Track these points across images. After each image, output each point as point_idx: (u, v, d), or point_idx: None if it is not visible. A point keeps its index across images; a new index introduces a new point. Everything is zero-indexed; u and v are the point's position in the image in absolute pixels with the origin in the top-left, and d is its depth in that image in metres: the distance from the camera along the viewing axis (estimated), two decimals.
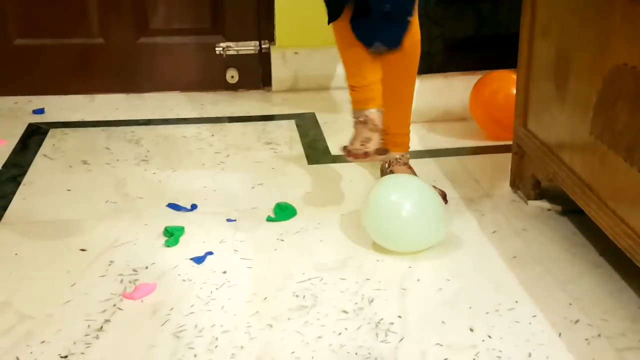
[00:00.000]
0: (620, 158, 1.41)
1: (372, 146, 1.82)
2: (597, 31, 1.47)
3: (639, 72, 1.32)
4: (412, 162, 2.01)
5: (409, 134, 2.02)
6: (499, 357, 1.33)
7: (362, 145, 1.82)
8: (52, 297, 1.52)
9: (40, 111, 2.58)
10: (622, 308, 1.45)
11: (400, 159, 1.99)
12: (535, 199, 1.88)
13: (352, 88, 1.90)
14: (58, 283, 1.57)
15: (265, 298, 1.52)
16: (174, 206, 1.90)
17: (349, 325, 1.42)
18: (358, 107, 1.89)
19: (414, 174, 1.95)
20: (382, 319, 1.44)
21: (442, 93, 2.42)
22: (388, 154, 1.91)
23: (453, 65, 2.41)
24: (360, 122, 1.87)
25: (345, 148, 1.84)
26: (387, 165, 1.99)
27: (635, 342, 1.35)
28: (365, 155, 1.81)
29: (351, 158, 1.83)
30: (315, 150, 2.27)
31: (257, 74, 2.80)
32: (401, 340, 1.38)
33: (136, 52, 2.74)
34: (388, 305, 1.49)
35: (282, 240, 1.74)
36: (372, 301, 1.50)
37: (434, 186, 1.84)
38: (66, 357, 1.34)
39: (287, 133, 2.34)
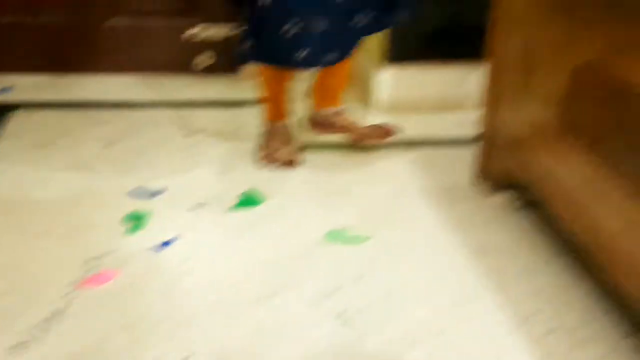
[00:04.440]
0: (584, 151, 1.42)
1: (290, 154, 2.04)
2: (563, 26, 1.48)
3: (604, 67, 1.33)
4: (381, 153, 2.03)
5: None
6: (458, 349, 1.34)
7: (278, 149, 2.05)
8: (8, 282, 1.50)
9: (6, 90, 2.54)
10: (581, 299, 1.48)
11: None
12: (499, 191, 1.89)
13: (267, 100, 2.11)
14: (18, 268, 1.55)
15: (230, 285, 1.51)
16: (139, 191, 1.89)
17: (312, 314, 1.43)
18: (271, 118, 2.11)
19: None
20: (345, 309, 1.44)
21: (413, 83, 2.42)
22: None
23: (424, 56, 2.41)
24: (273, 129, 2.09)
25: (261, 155, 2.06)
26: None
27: (590, 334, 1.37)
28: (285, 165, 2.02)
29: (271, 166, 2.03)
30: None
31: (231, 58, 2.77)
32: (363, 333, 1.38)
33: (107, 34, 2.70)
34: (352, 295, 1.49)
35: (248, 228, 1.74)
36: (336, 290, 1.50)
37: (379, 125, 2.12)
38: (25, 342, 1.33)
39: (257, 119, 2.32)
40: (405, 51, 2.39)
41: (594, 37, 1.37)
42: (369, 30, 1.98)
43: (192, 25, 2.70)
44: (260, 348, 1.33)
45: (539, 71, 1.61)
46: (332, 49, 1.92)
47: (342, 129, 2.17)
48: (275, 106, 2.13)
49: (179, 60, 2.74)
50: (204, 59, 2.74)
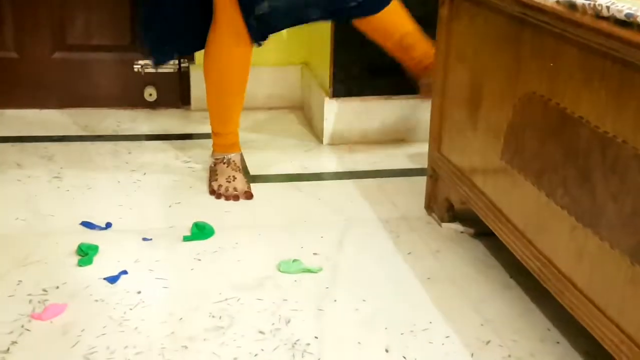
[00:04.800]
0: (529, 183, 1.46)
1: (240, 186, 2.04)
2: (508, 60, 1.53)
3: (547, 100, 1.39)
4: (330, 183, 2.04)
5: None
6: None
7: (227, 182, 2.04)
8: None
9: None
10: (532, 329, 1.50)
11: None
12: (449, 221, 1.93)
13: (215, 134, 2.15)
14: None
15: (181, 318, 1.49)
16: (87, 224, 1.85)
17: (265, 346, 1.41)
18: (220, 151, 2.13)
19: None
20: (298, 340, 1.44)
21: (360, 116, 2.46)
22: None
23: (370, 90, 2.46)
24: (223, 162, 2.10)
25: (211, 188, 2.06)
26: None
27: None
28: (236, 198, 2.02)
29: (221, 198, 2.03)
30: None
31: (176, 92, 2.77)
32: None
33: (51, 67, 2.67)
34: (305, 325, 1.49)
35: (199, 260, 1.72)
36: (289, 322, 1.50)
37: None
38: None
39: (205, 152, 2.31)
40: (350, 85, 2.43)
41: (539, 69, 1.42)
42: None
43: (137, 60, 2.70)
44: None
45: (485, 103, 1.66)
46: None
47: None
48: (223, 138, 2.13)
49: (126, 94, 2.73)
50: (152, 93, 2.73)
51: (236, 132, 2.16)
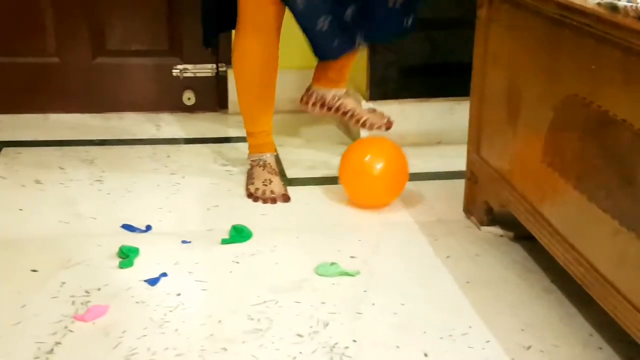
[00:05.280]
0: (570, 186, 1.45)
1: (276, 189, 2.04)
2: (548, 62, 1.52)
3: (588, 102, 1.37)
4: None
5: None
6: None
7: (264, 185, 2.04)
8: (0, 318, 1.48)
9: None
10: (573, 334, 1.48)
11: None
12: (488, 224, 1.91)
13: (248, 134, 2.13)
14: (7, 304, 1.53)
15: (220, 321, 1.50)
16: (128, 227, 1.88)
17: (303, 349, 1.42)
18: (255, 152, 2.12)
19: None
20: (336, 343, 1.44)
21: (396, 118, 2.45)
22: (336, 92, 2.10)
23: (407, 92, 2.45)
24: (259, 165, 2.09)
25: (248, 191, 2.06)
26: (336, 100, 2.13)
27: None
28: (273, 201, 2.02)
29: (259, 201, 2.03)
30: None
31: (213, 96, 2.79)
32: None
33: (92, 72, 2.71)
34: (343, 329, 1.49)
35: (237, 263, 1.73)
36: (327, 325, 1.50)
37: (374, 109, 2.16)
38: None
39: (243, 155, 2.33)
40: (386, 87, 2.43)
41: (580, 71, 1.40)
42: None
43: (175, 64, 2.73)
44: None
45: (524, 105, 1.64)
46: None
47: (342, 113, 2.13)
48: (255, 137, 2.13)
49: (165, 98, 2.77)
50: (190, 97, 2.76)
51: (268, 131, 2.13)
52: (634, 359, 1.38)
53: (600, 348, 1.44)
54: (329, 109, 2.12)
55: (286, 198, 2.05)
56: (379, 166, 1.99)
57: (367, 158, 2.00)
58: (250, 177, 2.12)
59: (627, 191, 1.25)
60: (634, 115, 1.23)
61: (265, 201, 2.03)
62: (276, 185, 2.07)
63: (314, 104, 2.13)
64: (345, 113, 2.13)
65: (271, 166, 2.11)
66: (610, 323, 1.33)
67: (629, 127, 1.24)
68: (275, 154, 2.16)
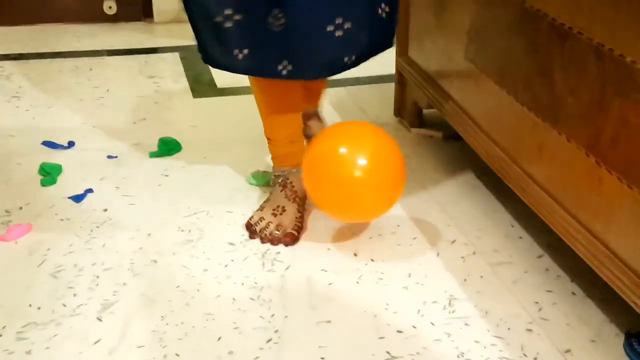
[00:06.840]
0: (492, 81, 1.45)
1: (285, 224, 1.51)
2: None
3: None
4: None
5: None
6: (380, 278, 1.36)
7: (273, 215, 1.53)
8: None
9: None
10: (496, 226, 1.52)
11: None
12: (418, 126, 1.92)
13: (268, 140, 1.60)
14: None
15: (149, 234, 1.49)
16: (49, 144, 1.82)
17: (235, 257, 1.42)
18: (276, 165, 1.61)
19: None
20: (268, 249, 1.45)
21: None
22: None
23: None
24: (279, 184, 1.58)
25: (248, 220, 1.54)
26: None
27: (506, 257, 1.42)
28: (275, 242, 1.50)
29: (255, 237, 1.51)
30: (201, 84, 2.22)
31: (137, 4, 2.69)
32: (287, 268, 1.39)
33: None
34: None
35: (167, 176, 1.71)
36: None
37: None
38: None
39: (170, 66, 2.27)
40: None
41: None
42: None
43: None
44: (187, 292, 1.32)
45: (449, 3, 1.62)
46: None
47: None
48: (276, 145, 1.59)
49: (84, 8, 2.65)
50: (111, 5, 2.65)
51: (293, 137, 1.57)
52: (553, 246, 1.43)
53: (521, 237, 1.48)
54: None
55: (292, 239, 1.49)
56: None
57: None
58: (267, 199, 1.61)
59: (544, 82, 1.25)
60: (551, 6, 1.22)
61: (263, 240, 1.51)
62: (287, 217, 1.53)
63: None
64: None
65: (292, 187, 1.57)
66: (531, 215, 1.36)
67: (544, 18, 1.23)
68: (300, 167, 1.52)
